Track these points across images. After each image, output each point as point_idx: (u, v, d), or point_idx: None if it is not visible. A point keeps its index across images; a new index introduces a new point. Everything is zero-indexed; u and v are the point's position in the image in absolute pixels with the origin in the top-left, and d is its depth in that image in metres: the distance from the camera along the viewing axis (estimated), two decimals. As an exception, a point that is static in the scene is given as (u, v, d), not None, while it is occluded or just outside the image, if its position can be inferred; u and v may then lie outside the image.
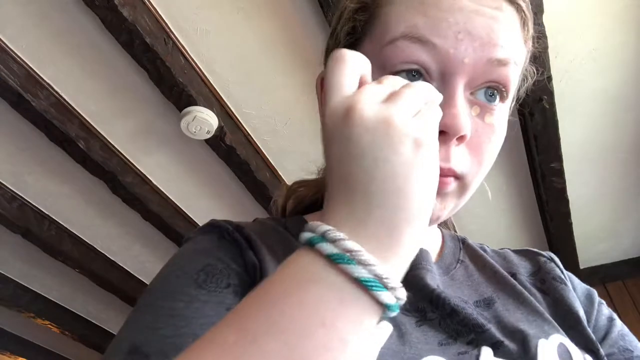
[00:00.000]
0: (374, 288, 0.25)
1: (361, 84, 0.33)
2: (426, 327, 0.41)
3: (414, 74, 0.40)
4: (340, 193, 0.29)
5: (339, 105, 0.30)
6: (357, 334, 0.25)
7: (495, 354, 0.40)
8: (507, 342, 0.41)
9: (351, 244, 0.26)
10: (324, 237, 0.27)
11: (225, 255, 0.41)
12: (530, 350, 0.40)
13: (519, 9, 0.42)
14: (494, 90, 0.41)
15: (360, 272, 0.25)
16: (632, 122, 1.78)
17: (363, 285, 0.25)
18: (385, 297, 0.26)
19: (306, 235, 0.28)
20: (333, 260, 0.26)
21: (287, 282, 0.26)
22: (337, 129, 0.30)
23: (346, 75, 0.32)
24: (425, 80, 0.40)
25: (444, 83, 0.39)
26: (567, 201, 2.00)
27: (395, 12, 0.41)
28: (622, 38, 1.50)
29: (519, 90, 0.48)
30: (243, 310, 0.26)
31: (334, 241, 0.26)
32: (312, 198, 0.58)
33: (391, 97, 0.31)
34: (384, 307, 0.26)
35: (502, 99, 0.42)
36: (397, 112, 0.29)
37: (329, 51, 0.50)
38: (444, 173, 0.39)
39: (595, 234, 2.33)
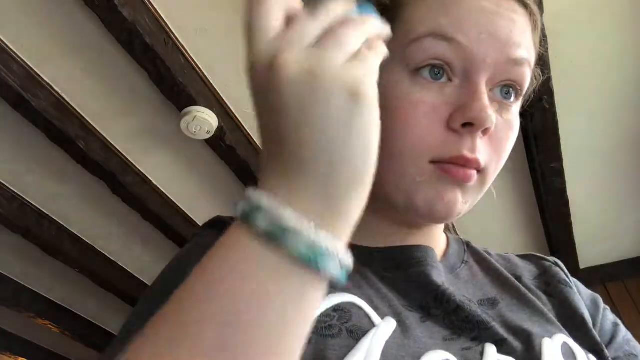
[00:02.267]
0: (311, 260, 0.24)
1: (290, 19, 0.29)
2: (430, 323, 0.42)
3: (437, 71, 0.41)
4: (272, 158, 0.27)
5: (261, 54, 0.27)
6: (293, 308, 0.24)
7: (499, 351, 0.40)
8: (511, 339, 0.41)
9: (287, 216, 0.24)
10: (257, 208, 0.25)
11: None
12: (535, 348, 0.40)
13: (531, 13, 0.44)
14: (510, 88, 0.43)
15: (296, 246, 0.24)
16: (632, 122, 1.78)
17: (301, 260, 0.24)
18: (330, 267, 0.24)
19: (240, 207, 0.26)
20: (268, 237, 0.24)
21: (220, 265, 0.25)
22: (260, 83, 0.27)
23: (268, 13, 0.28)
24: (448, 76, 0.41)
25: (466, 80, 0.41)
26: (567, 201, 2.00)
27: (418, 12, 0.42)
28: (622, 38, 1.50)
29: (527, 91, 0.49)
30: (178, 297, 0.26)
31: (268, 214, 0.25)
32: None
33: (322, 38, 0.27)
34: (328, 276, 0.25)
35: (517, 97, 0.44)
36: (325, 59, 0.26)
37: None
38: (470, 164, 0.40)
39: (595, 234, 2.33)
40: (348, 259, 0.26)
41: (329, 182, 0.26)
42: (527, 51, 0.42)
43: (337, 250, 0.25)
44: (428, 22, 0.41)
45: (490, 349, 0.40)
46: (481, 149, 0.40)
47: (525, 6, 0.43)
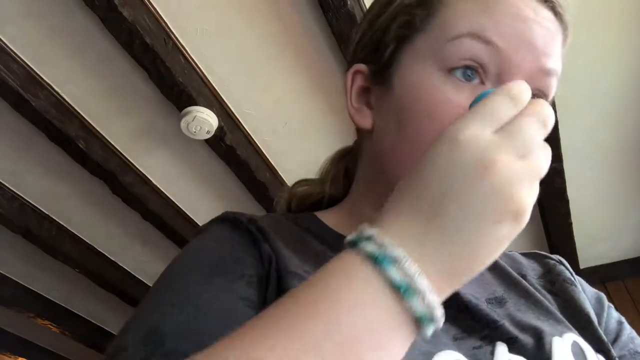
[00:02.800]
0: (426, 325, 0.26)
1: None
2: None
3: (470, 72, 0.41)
4: (428, 223, 0.28)
5: (479, 145, 0.28)
6: (396, 352, 0.26)
7: (510, 350, 0.40)
8: (521, 337, 0.41)
9: (421, 282, 0.26)
10: (393, 262, 0.26)
11: (239, 246, 0.41)
12: (545, 346, 0.40)
13: (565, 27, 0.45)
14: (537, 97, 0.43)
15: (420, 310, 0.26)
16: (632, 122, 1.78)
17: (417, 320, 0.26)
18: (429, 329, 0.26)
19: (373, 250, 0.27)
20: (399, 290, 0.26)
21: (344, 300, 0.26)
22: (463, 168, 0.28)
23: (499, 111, 0.30)
24: (480, 79, 0.41)
25: (499, 84, 0.40)
26: (567, 201, 2.00)
27: (460, 10, 0.42)
28: (622, 38, 1.50)
29: None
30: (301, 317, 0.26)
31: (405, 273, 0.26)
32: (317, 197, 0.58)
33: (524, 153, 0.29)
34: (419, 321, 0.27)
35: None
36: (522, 182, 0.28)
37: (367, 42, 0.50)
38: None
39: (595, 234, 2.33)
40: (442, 322, 0.27)
41: (451, 272, 0.28)
42: (558, 62, 0.43)
43: (438, 316, 0.27)
44: (468, 21, 0.41)
45: (501, 348, 0.40)
46: None
47: (562, 20, 0.44)
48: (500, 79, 0.40)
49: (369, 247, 0.27)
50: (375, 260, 0.26)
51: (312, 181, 0.61)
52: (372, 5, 0.51)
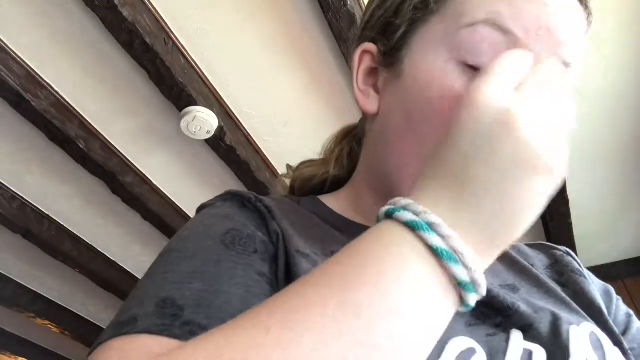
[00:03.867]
0: (467, 291, 0.26)
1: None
2: None
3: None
4: (459, 191, 0.28)
5: (497, 103, 0.28)
6: (439, 323, 0.26)
7: (525, 338, 0.38)
8: (537, 324, 0.39)
9: (459, 244, 0.26)
10: (431, 227, 0.26)
11: (249, 222, 0.39)
12: (562, 335, 0.38)
13: (589, 14, 0.42)
14: None
15: (461, 274, 0.26)
16: (632, 122, 1.78)
17: (459, 286, 0.26)
18: (471, 298, 0.26)
19: (411, 218, 0.27)
20: (438, 255, 0.26)
21: (388, 265, 0.26)
22: (485, 129, 0.28)
23: (515, 69, 0.30)
24: None
25: None
26: (567, 201, 2.00)
27: None
28: (622, 38, 1.50)
29: None
30: (335, 279, 0.26)
31: (443, 236, 0.26)
32: (321, 179, 0.56)
33: (546, 105, 0.29)
34: (462, 304, 0.27)
35: None
36: (552, 140, 0.28)
37: (377, 22, 0.47)
38: None
39: (595, 234, 2.33)
40: (484, 291, 0.27)
41: (495, 234, 0.27)
42: (578, 53, 0.40)
43: (483, 286, 0.27)
44: (486, 7, 0.38)
45: (517, 335, 0.38)
46: None
47: (586, 6, 0.41)
48: None
49: (406, 215, 0.27)
50: (415, 228, 0.26)
51: (316, 162, 0.59)
52: None
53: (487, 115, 0.28)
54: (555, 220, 2.10)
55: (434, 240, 0.26)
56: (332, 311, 0.24)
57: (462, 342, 0.36)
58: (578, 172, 1.95)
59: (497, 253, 0.28)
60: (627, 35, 1.50)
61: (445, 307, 0.27)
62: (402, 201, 0.28)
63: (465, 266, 0.26)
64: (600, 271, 2.52)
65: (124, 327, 0.28)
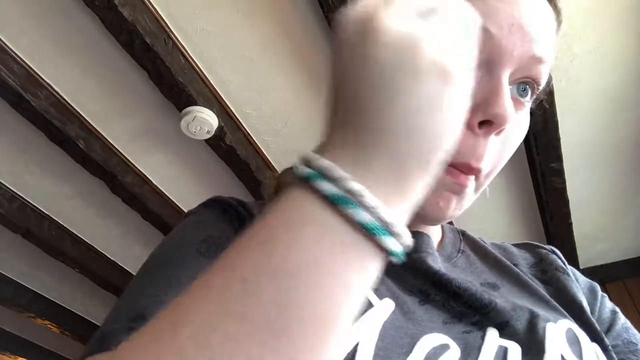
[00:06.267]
0: (377, 233, 0.23)
1: None
2: (430, 307, 0.41)
3: None
4: (346, 124, 0.25)
5: (359, 14, 0.25)
6: (354, 276, 0.23)
7: (501, 335, 0.39)
8: (513, 321, 0.40)
9: (354, 185, 0.23)
10: (322, 174, 0.23)
11: (227, 227, 0.41)
12: (538, 332, 0.39)
13: (558, 13, 0.43)
14: (527, 85, 0.42)
15: (363, 216, 0.22)
16: (632, 122, 1.78)
17: (365, 230, 0.23)
18: (390, 243, 0.23)
19: (302, 170, 0.24)
20: (332, 201, 0.23)
21: (278, 223, 0.23)
22: (353, 43, 0.25)
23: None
24: None
25: (489, 72, 0.39)
26: (567, 201, 2.00)
27: None
28: (622, 38, 1.50)
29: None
30: (230, 254, 0.23)
31: (334, 180, 0.23)
32: None
33: (426, 13, 0.25)
34: (387, 252, 0.24)
35: (532, 95, 0.43)
36: (430, 33, 0.24)
37: None
38: (471, 172, 0.39)
39: (595, 234, 2.33)
40: (408, 239, 0.24)
41: (401, 157, 0.24)
42: (549, 49, 0.41)
43: (400, 229, 0.24)
44: None
45: (492, 333, 0.39)
46: (488, 154, 0.39)
47: (555, 6, 0.42)
48: (490, 67, 0.39)
49: (301, 170, 0.24)
50: (306, 179, 0.24)
51: None
52: None
53: (349, 29, 0.26)
54: (555, 220, 2.10)
55: (325, 187, 0.23)
56: (219, 286, 0.22)
57: (435, 339, 0.37)
58: (578, 172, 1.95)
59: (419, 181, 0.25)
60: (627, 35, 1.50)
61: (355, 260, 0.23)
62: (320, 162, 0.24)
63: (365, 206, 0.23)
64: (600, 271, 2.52)
65: (100, 343, 0.30)
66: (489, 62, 0.39)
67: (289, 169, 0.61)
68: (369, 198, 0.23)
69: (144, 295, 0.33)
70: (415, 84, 0.24)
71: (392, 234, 0.23)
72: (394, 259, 0.24)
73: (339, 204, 0.23)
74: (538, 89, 0.42)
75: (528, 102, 0.43)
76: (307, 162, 0.24)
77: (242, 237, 0.24)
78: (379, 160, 0.24)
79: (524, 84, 0.42)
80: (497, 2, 0.39)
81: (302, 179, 0.24)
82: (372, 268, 0.24)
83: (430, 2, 0.26)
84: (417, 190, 0.25)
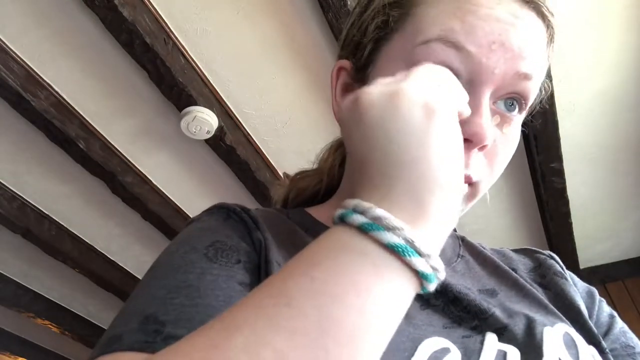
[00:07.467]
0: (405, 253, 0.26)
1: None
2: (430, 311, 0.42)
3: None
4: (362, 176, 0.30)
5: (350, 98, 0.32)
6: (390, 300, 0.26)
7: (500, 339, 0.40)
8: (511, 326, 0.41)
9: (379, 212, 0.26)
10: (354, 210, 0.27)
11: (233, 233, 0.41)
12: (536, 336, 0.40)
13: (548, 25, 0.42)
14: (514, 100, 0.42)
15: (391, 238, 0.26)
16: (632, 122, 1.78)
17: (394, 251, 0.26)
18: (418, 262, 0.26)
19: (338, 212, 0.29)
20: (363, 229, 0.26)
21: (319, 252, 0.27)
22: (348, 116, 0.32)
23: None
24: None
25: (471, 91, 0.39)
26: (567, 201, 2.00)
27: (431, 13, 0.40)
28: (622, 38, 1.50)
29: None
30: (276, 279, 0.26)
31: (362, 212, 0.27)
32: (314, 189, 0.58)
33: (405, 76, 0.32)
34: (419, 275, 0.26)
35: (521, 110, 0.43)
36: (405, 84, 0.30)
37: (350, 41, 0.50)
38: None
39: (595, 234, 2.33)
40: (438, 262, 0.27)
41: (415, 193, 0.28)
42: (537, 65, 0.40)
43: (427, 249, 0.26)
44: (440, 25, 0.39)
45: (491, 337, 0.40)
46: (475, 164, 0.40)
47: (544, 19, 0.42)
48: (472, 85, 0.39)
49: (337, 212, 0.29)
50: (341, 218, 0.28)
51: (309, 172, 0.61)
52: (357, 3, 0.50)
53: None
54: (555, 220, 2.10)
55: (358, 219, 0.27)
56: (268, 306, 0.25)
57: (436, 342, 0.38)
58: (578, 172, 1.95)
59: (440, 203, 0.28)
60: (627, 36, 1.50)
61: (401, 291, 0.26)
62: (350, 202, 0.29)
63: (390, 228, 0.26)
64: (600, 271, 2.52)
65: (110, 344, 0.30)
66: (470, 81, 0.39)
67: (302, 172, 0.62)
68: (393, 221, 0.26)
69: (155, 298, 0.33)
70: (400, 123, 0.29)
71: (420, 254, 0.26)
72: (428, 284, 0.27)
73: (368, 230, 0.26)
74: (526, 103, 0.42)
75: (517, 116, 0.43)
76: (342, 206, 0.29)
77: (287, 266, 0.27)
78: (394, 193, 0.28)
79: (511, 99, 0.42)
80: (476, 20, 0.39)
81: (339, 218, 0.28)
82: (405, 289, 0.26)
83: (425, 79, 0.32)
84: (438, 213, 0.28)
